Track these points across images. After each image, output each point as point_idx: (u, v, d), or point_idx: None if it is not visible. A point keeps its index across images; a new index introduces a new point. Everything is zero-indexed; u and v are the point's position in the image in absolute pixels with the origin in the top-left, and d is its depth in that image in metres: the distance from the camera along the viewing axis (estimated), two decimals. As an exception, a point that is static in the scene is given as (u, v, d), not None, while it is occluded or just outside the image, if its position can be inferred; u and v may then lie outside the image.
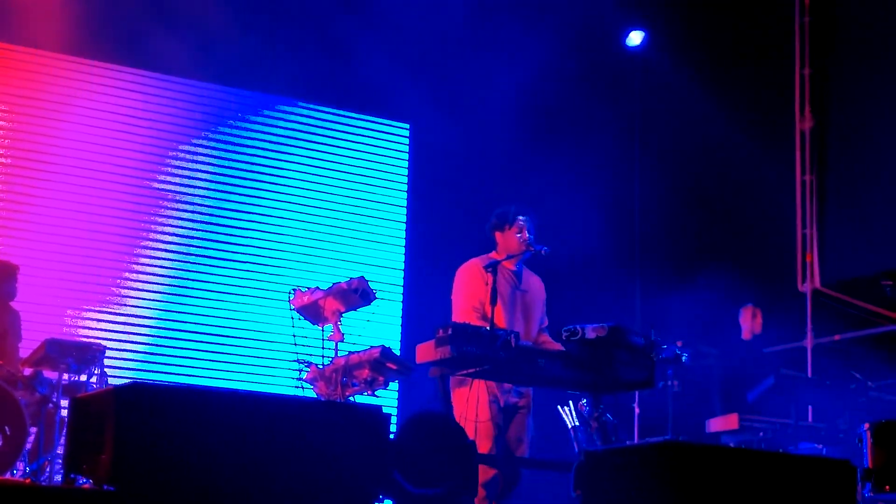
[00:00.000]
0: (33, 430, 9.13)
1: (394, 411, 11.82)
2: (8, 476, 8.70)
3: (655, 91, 13.49)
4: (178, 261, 11.65)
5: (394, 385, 11.17)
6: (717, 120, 12.87)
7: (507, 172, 12.40)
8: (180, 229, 11.70)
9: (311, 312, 8.42)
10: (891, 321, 11.60)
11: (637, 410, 10.79)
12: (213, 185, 11.91)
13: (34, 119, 11.26)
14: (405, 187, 12.84)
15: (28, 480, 8.76)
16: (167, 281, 11.56)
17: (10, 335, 9.90)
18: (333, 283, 8.35)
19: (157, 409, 5.29)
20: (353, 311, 8.46)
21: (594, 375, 7.65)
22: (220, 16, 11.64)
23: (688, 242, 12.93)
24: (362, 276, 8.33)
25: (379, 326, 11.52)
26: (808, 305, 12.32)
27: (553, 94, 12.76)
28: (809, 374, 11.78)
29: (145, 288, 11.46)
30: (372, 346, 8.07)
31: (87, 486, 5.60)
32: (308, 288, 8.51)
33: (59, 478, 9.00)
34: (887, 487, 6.98)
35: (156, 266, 11.54)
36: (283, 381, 11.21)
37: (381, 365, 7.95)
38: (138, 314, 11.38)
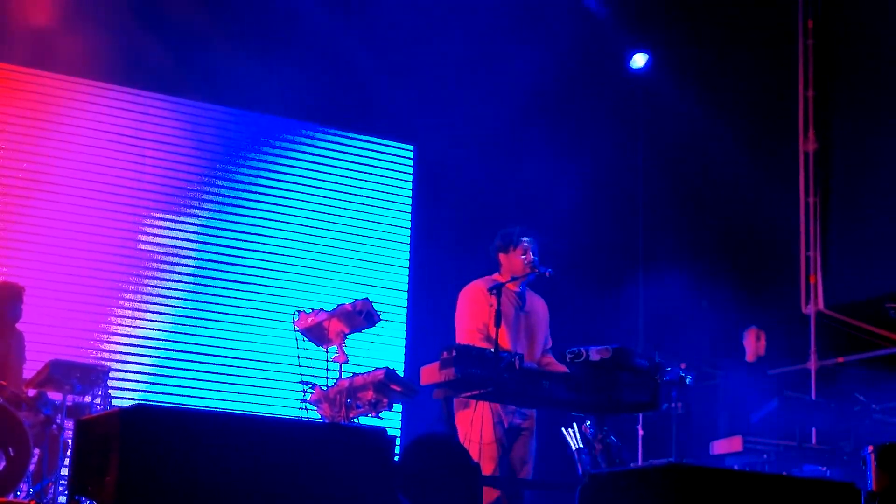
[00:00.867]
0: (37, 451, 9.12)
1: (398, 433, 11.81)
2: (11, 498, 8.69)
3: (659, 113, 13.51)
4: (183, 282, 11.66)
5: (398, 407, 11.17)
6: (721, 142, 12.89)
7: (511, 194, 12.41)
8: (184, 251, 11.71)
9: (316, 334, 8.42)
10: (894, 343, 11.59)
11: (641, 432, 10.78)
12: (217, 206, 11.92)
13: (39, 140, 11.28)
14: (409, 209, 12.85)
15: (32, 502, 8.74)
16: (172, 302, 11.57)
17: (14, 356, 9.89)
18: (338, 305, 8.35)
19: (162, 431, 5.30)
20: (357, 333, 8.46)
21: (598, 397, 7.64)
22: (224, 38, 11.69)
23: (691, 264, 12.92)
24: (366, 298, 8.34)
25: (383, 348, 11.51)
26: (811, 328, 12.32)
27: (557, 116, 12.79)
28: (813, 397, 11.77)
29: (150, 309, 11.46)
30: (376, 368, 8.07)
31: (91, 508, 5.61)
32: (312, 309, 8.51)
33: (62, 499, 9.01)
34: (891, 510, 6.98)
35: (160, 287, 11.54)
36: (287, 402, 11.21)
37: (385, 387, 7.95)
38: (143, 335, 11.39)
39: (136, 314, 11.40)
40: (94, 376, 9.36)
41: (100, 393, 9.48)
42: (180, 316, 11.59)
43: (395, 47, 12.39)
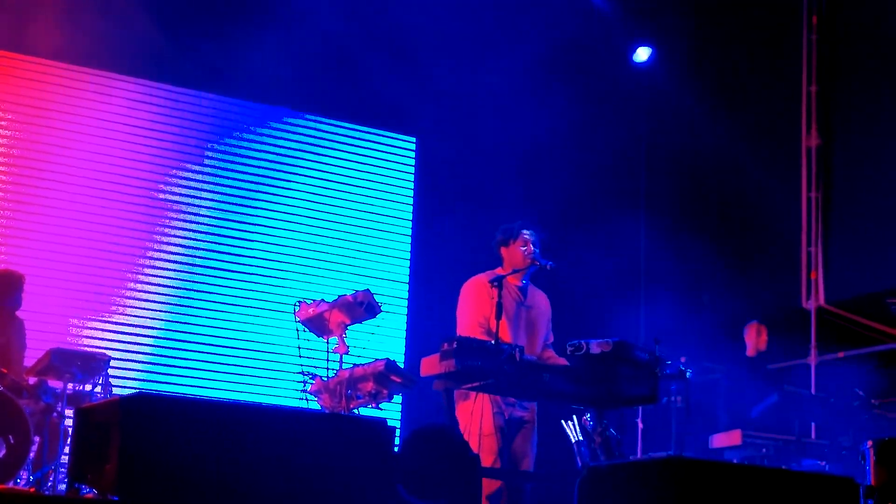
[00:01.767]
0: (37, 439, 9.13)
1: (398, 424, 11.81)
2: (12, 485, 8.71)
3: (662, 107, 13.50)
4: (184, 271, 11.66)
5: (398, 398, 11.18)
6: (724, 137, 12.90)
7: (512, 187, 12.41)
8: (186, 240, 11.71)
9: (316, 325, 8.43)
10: (895, 339, 11.60)
11: (641, 426, 10.78)
12: (218, 197, 11.92)
13: (42, 129, 11.28)
14: (411, 201, 12.84)
15: (32, 490, 8.76)
16: (173, 291, 11.57)
17: (14, 344, 9.90)
18: (339, 296, 8.35)
19: (163, 419, 5.31)
20: (357, 324, 8.46)
21: (598, 390, 7.65)
22: (226, 28, 11.69)
23: (693, 259, 12.93)
24: (367, 289, 8.34)
25: (383, 339, 11.53)
26: (812, 322, 12.34)
27: (560, 110, 12.77)
28: (813, 391, 11.78)
29: (151, 298, 11.47)
30: (376, 359, 8.07)
31: (91, 495, 5.62)
32: (313, 300, 8.52)
33: (62, 487, 9.02)
34: (890, 505, 6.98)
35: (161, 276, 11.55)
36: (288, 392, 11.23)
37: (385, 378, 7.95)
38: (144, 324, 11.39)
39: (138, 303, 11.41)
40: (95, 365, 9.36)
41: (100, 381, 9.49)
42: (181, 305, 11.60)
43: (397, 39, 12.38)
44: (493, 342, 7.34)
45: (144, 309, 11.42)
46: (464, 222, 12.42)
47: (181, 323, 11.56)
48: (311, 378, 8.32)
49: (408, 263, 12.69)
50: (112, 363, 9.71)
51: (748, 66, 13.18)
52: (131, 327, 11.33)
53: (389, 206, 12.70)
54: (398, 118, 12.76)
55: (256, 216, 12.03)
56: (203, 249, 11.77)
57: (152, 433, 5.24)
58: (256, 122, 12.25)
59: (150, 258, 11.53)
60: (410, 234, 12.76)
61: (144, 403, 5.45)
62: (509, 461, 8.05)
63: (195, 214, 11.79)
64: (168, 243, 11.62)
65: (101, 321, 11.20)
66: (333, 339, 8.31)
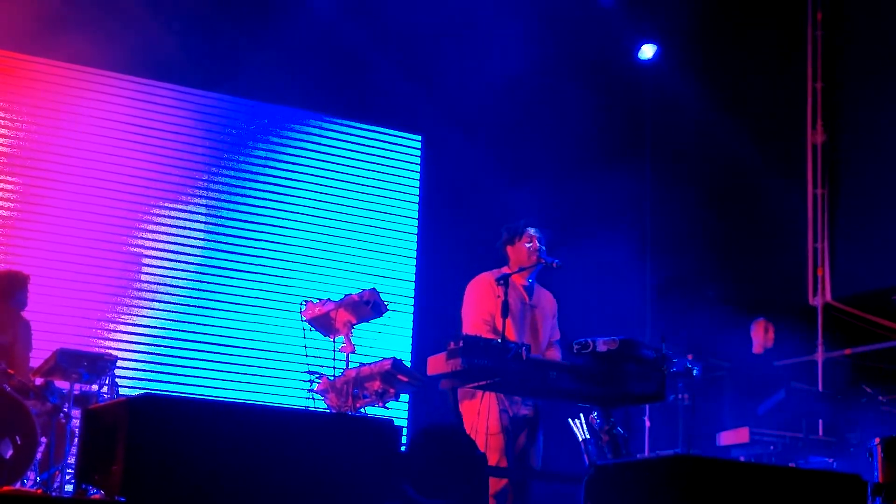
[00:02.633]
0: (44, 439, 9.14)
1: (404, 423, 11.82)
2: (19, 486, 8.71)
3: (667, 104, 13.49)
4: (190, 271, 11.67)
5: (405, 397, 11.17)
6: (729, 133, 12.88)
7: (518, 184, 12.40)
8: (192, 240, 11.72)
9: (323, 324, 8.43)
10: (902, 335, 11.60)
11: (648, 424, 10.78)
12: (224, 196, 11.93)
13: (45, 129, 11.29)
14: (417, 199, 12.84)
15: (39, 491, 8.76)
16: (179, 291, 11.58)
17: (21, 345, 9.91)
18: (345, 295, 8.35)
19: (169, 420, 5.31)
20: (364, 323, 8.46)
21: (605, 388, 7.65)
22: (232, 28, 11.69)
23: (699, 256, 12.92)
24: (374, 288, 8.34)
25: (390, 338, 11.53)
26: (819, 319, 12.32)
27: (565, 106, 12.76)
28: (820, 388, 11.77)
29: (157, 298, 11.48)
30: (383, 358, 8.07)
31: (98, 496, 5.62)
32: (319, 299, 8.52)
33: (69, 488, 9.03)
34: (898, 502, 6.97)
35: (167, 276, 11.55)
36: (294, 392, 11.21)
37: (392, 377, 7.95)
38: (150, 324, 11.40)
39: (144, 303, 11.42)
40: (102, 365, 9.37)
41: (107, 382, 9.50)
42: (188, 305, 11.61)
43: (402, 37, 12.38)
44: (499, 341, 7.33)
45: (151, 309, 11.43)
46: (470, 220, 12.41)
47: (188, 323, 11.57)
48: (317, 377, 8.32)
49: (414, 262, 12.69)
50: (119, 364, 9.72)
51: (754, 64, 13.16)
52: (138, 328, 11.34)
53: (395, 205, 12.70)
54: (404, 116, 12.76)
55: (262, 215, 12.03)
56: (209, 249, 11.77)
57: (159, 434, 5.24)
58: (262, 122, 12.25)
59: (157, 258, 11.54)
60: (416, 232, 12.76)
61: (151, 404, 5.45)
62: (515, 459, 8.05)
63: (202, 214, 11.80)
64: (174, 243, 11.63)
65: (107, 322, 11.21)
66: (340, 338, 8.31)
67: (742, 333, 11.65)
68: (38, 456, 9.00)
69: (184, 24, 11.50)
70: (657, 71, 13.51)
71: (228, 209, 11.92)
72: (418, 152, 12.98)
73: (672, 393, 9.83)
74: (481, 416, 7.72)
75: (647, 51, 13.39)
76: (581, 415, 8.33)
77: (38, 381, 9.37)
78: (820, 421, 10.82)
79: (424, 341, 12.03)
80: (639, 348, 7.64)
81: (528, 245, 8.28)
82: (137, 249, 11.47)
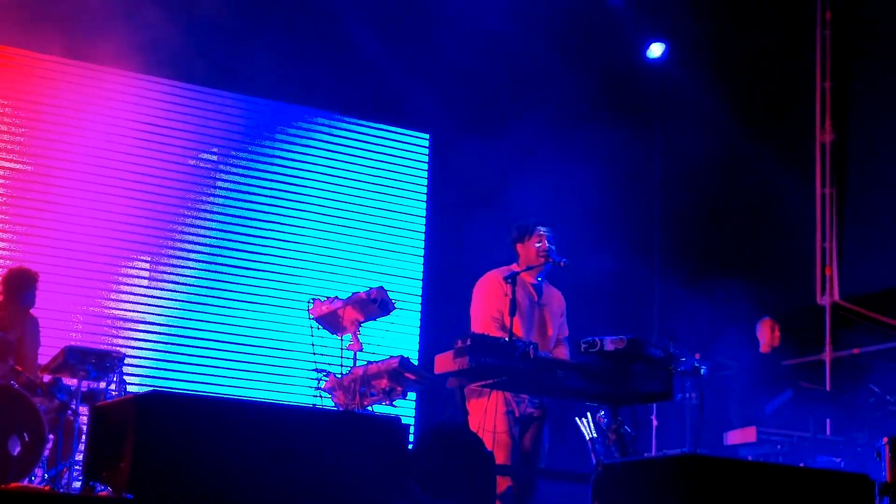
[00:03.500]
0: (52, 436, 9.15)
1: (412, 422, 11.82)
2: (26, 483, 8.72)
3: (675, 103, 13.48)
4: (198, 269, 11.67)
5: (412, 395, 11.16)
6: (737, 132, 12.87)
7: (526, 183, 12.39)
8: (200, 238, 11.72)
9: (330, 322, 8.43)
10: (910, 335, 11.59)
11: (655, 423, 10.78)
12: (232, 194, 11.93)
13: (53, 126, 11.28)
14: (424, 197, 12.84)
15: (47, 488, 8.78)
16: (186, 289, 11.58)
17: (29, 342, 9.92)
18: (352, 293, 8.35)
19: (177, 417, 5.32)
20: (371, 321, 8.46)
21: (612, 387, 7.65)
22: (240, 27, 11.69)
23: (706, 255, 12.91)
24: (381, 286, 8.33)
25: (397, 336, 11.51)
26: (826, 318, 12.31)
27: (573, 106, 12.76)
28: (828, 388, 11.76)
29: (164, 296, 11.48)
30: (390, 356, 8.06)
31: (106, 493, 5.62)
32: (327, 297, 8.51)
33: (77, 485, 9.03)
34: (906, 502, 6.96)
35: (175, 274, 11.56)
36: (302, 390, 11.20)
37: (399, 375, 7.95)
38: (157, 322, 11.41)
39: (152, 301, 11.42)
40: (109, 362, 9.36)
41: (115, 379, 9.49)
42: (195, 303, 11.61)
43: (410, 36, 12.38)
44: (506, 339, 7.33)
45: (159, 307, 11.44)
46: (477, 218, 12.38)
47: (195, 321, 11.57)
48: (325, 375, 8.32)
49: (421, 260, 12.69)
50: (126, 361, 9.72)
51: (762, 63, 13.15)
52: (146, 325, 11.34)
53: (403, 203, 12.70)
54: (412, 114, 12.75)
55: (270, 213, 12.03)
56: (217, 247, 11.77)
57: (167, 431, 5.25)
58: (269, 120, 12.25)
59: (164, 256, 11.55)
60: (424, 230, 12.76)
61: (159, 401, 5.46)
62: (521, 458, 8.05)
63: (209, 212, 11.80)
64: (182, 241, 11.63)
65: (115, 319, 11.22)
66: (347, 336, 8.30)
67: (749, 333, 11.64)
68: (46, 453, 9.01)
69: (190, 21, 11.48)
70: (666, 70, 13.49)
71: (236, 207, 11.92)
72: (426, 151, 12.97)
73: (679, 392, 9.83)
74: (488, 415, 7.72)
75: (656, 49, 13.37)
76: (588, 413, 8.33)
77: (46, 378, 9.37)
78: (827, 420, 10.82)
79: (432, 339, 12.02)
80: (646, 347, 7.65)
81: (537, 245, 8.28)
82: (145, 247, 11.47)
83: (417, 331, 12.47)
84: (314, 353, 8.35)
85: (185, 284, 11.59)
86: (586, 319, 9.27)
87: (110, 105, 11.49)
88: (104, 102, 11.47)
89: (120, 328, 11.21)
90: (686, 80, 13.22)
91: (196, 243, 11.70)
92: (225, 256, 11.79)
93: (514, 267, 8.28)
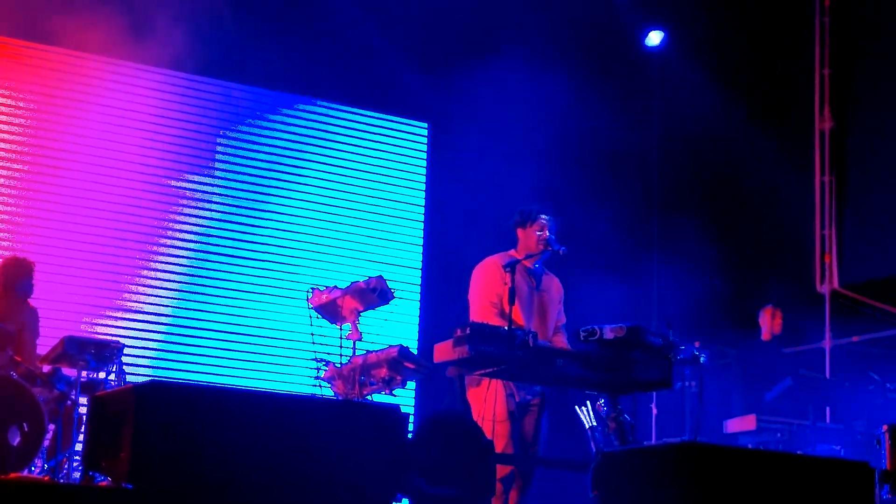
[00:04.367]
0: (51, 427, 9.15)
1: (411, 410, 11.82)
2: (26, 473, 8.73)
3: (674, 91, 13.46)
4: (197, 259, 11.66)
5: (411, 384, 11.17)
6: (736, 120, 12.86)
7: (524, 172, 12.38)
8: (199, 227, 11.71)
9: (329, 311, 8.42)
10: (910, 322, 11.60)
11: (655, 411, 10.79)
12: (230, 184, 11.92)
13: (54, 116, 11.28)
14: (423, 186, 12.83)
15: (46, 478, 8.78)
16: (185, 279, 11.58)
17: (28, 332, 9.92)
18: (351, 282, 8.34)
19: (176, 407, 5.31)
20: (371, 311, 8.45)
21: (612, 375, 7.65)
22: (240, 15, 11.67)
23: (706, 243, 12.90)
24: (380, 276, 8.32)
25: (397, 326, 11.51)
26: (826, 306, 12.32)
27: (571, 93, 12.74)
28: (827, 376, 11.76)
29: (164, 286, 11.48)
30: (390, 346, 8.06)
31: (105, 483, 5.62)
32: (326, 287, 8.50)
33: (76, 475, 9.04)
34: (905, 489, 6.97)
35: (174, 264, 11.55)
36: (301, 379, 11.21)
37: (398, 364, 7.94)
38: (157, 312, 11.40)
39: (151, 290, 11.42)
40: (109, 352, 9.36)
41: (114, 369, 9.49)
42: (195, 293, 11.61)
43: (409, 25, 12.36)
44: (506, 328, 7.33)
45: (158, 296, 11.43)
46: (476, 207, 12.40)
47: (195, 310, 11.57)
48: (324, 365, 8.31)
49: (420, 249, 12.69)
50: (126, 350, 9.72)
51: (761, 50, 13.14)
52: (145, 315, 11.34)
53: (402, 192, 12.70)
54: (411, 104, 12.74)
55: (269, 203, 12.03)
56: (216, 237, 11.77)
57: (166, 421, 5.25)
58: (268, 109, 12.24)
59: (164, 245, 11.54)
60: (423, 219, 12.76)
61: (158, 391, 5.46)
62: (520, 446, 8.05)
63: (207, 202, 11.80)
64: (181, 230, 11.63)
65: (114, 309, 11.22)
66: (346, 325, 8.29)
67: (750, 320, 11.64)
68: (46, 443, 9.02)
69: (190, 13, 11.46)
70: (665, 57, 13.48)
71: (235, 197, 11.92)
72: (425, 140, 12.97)
73: (679, 380, 9.84)
74: (488, 403, 7.73)
75: (655, 37, 13.36)
76: (588, 402, 8.33)
77: (46, 368, 9.38)
78: (827, 408, 10.83)
79: (431, 328, 12.02)
80: (646, 335, 7.65)
81: (538, 232, 8.29)
82: (144, 236, 11.46)
83: (417, 320, 12.47)
84: (313, 343, 8.35)
85: (185, 274, 11.59)
86: (585, 307, 9.27)
87: (107, 95, 11.47)
88: (102, 92, 11.46)
89: (119, 318, 11.21)
90: (685, 68, 13.20)
91: (195, 233, 11.69)
92: (224, 246, 11.78)
93: (513, 253, 8.28)
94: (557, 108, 12.64)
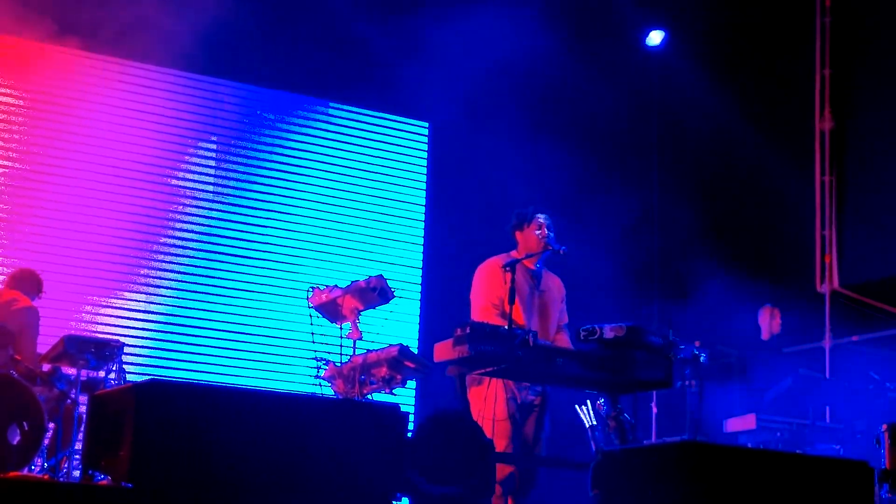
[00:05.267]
0: (51, 425, 9.15)
1: (411, 410, 11.82)
2: (26, 471, 8.72)
3: (675, 90, 13.46)
4: (197, 258, 11.67)
5: (412, 384, 11.16)
6: (737, 120, 12.86)
7: (525, 171, 12.38)
8: (199, 226, 11.72)
9: (330, 310, 8.42)
10: (910, 322, 11.60)
11: (655, 410, 10.78)
12: (231, 183, 11.93)
13: (55, 115, 11.28)
14: (424, 185, 12.84)
15: (46, 476, 8.78)
16: (186, 278, 11.59)
17: (28, 331, 9.90)
18: (352, 282, 8.34)
19: (176, 406, 5.32)
20: (371, 310, 8.45)
21: (612, 375, 7.65)
22: (240, 14, 11.66)
23: (706, 242, 12.90)
24: (381, 275, 8.32)
25: (397, 325, 11.51)
26: (826, 306, 12.32)
27: (572, 93, 12.75)
28: (827, 375, 11.76)
29: (164, 284, 11.48)
30: (390, 345, 8.06)
31: (105, 482, 5.62)
32: (326, 286, 8.50)
33: (76, 474, 9.04)
34: (905, 489, 6.97)
35: (174, 263, 11.56)
36: (301, 378, 11.21)
37: (398, 363, 7.94)
38: (157, 310, 11.41)
39: (151, 289, 11.42)
40: (109, 351, 9.36)
41: (114, 368, 9.48)
42: (195, 292, 11.61)
43: (409, 23, 12.35)
44: (506, 327, 7.33)
45: (158, 295, 11.44)
46: (477, 207, 12.40)
47: (195, 309, 11.58)
48: (324, 364, 8.31)
49: (421, 248, 12.69)
50: (126, 349, 9.72)
51: (762, 50, 13.14)
52: (145, 314, 11.35)
53: (402, 192, 12.70)
54: (411, 103, 12.74)
55: (269, 202, 12.03)
56: (216, 235, 11.77)
57: (166, 420, 5.25)
58: (269, 109, 12.24)
59: (164, 244, 11.54)
60: (423, 219, 12.76)
61: (158, 390, 5.45)
62: (522, 445, 8.06)
63: (208, 200, 11.80)
64: (182, 230, 11.63)
65: (114, 308, 11.22)
66: (347, 324, 8.30)
67: (749, 320, 11.64)
68: (46, 442, 9.01)
69: (190, 11, 11.46)
70: (665, 57, 13.48)
71: (236, 196, 11.92)
72: (425, 139, 12.97)
73: (679, 379, 9.82)
74: (488, 403, 7.73)
75: (655, 37, 13.36)
76: (588, 401, 8.34)
77: (46, 367, 9.37)
78: (827, 407, 10.82)
79: (431, 328, 12.02)
80: (646, 335, 7.65)
81: (536, 232, 8.30)
82: (145, 235, 11.46)
83: (417, 319, 12.48)
84: (314, 342, 8.35)
85: (185, 273, 11.60)
86: (585, 307, 9.26)
87: (108, 94, 11.48)
88: (101, 91, 11.46)
89: (119, 317, 11.21)
90: (685, 68, 13.20)
91: (196, 232, 11.70)
92: (225, 245, 11.79)
93: (514, 254, 8.29)
94: (557, 109, 12.65)
